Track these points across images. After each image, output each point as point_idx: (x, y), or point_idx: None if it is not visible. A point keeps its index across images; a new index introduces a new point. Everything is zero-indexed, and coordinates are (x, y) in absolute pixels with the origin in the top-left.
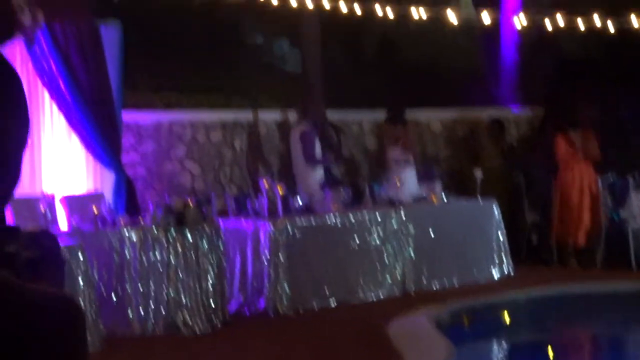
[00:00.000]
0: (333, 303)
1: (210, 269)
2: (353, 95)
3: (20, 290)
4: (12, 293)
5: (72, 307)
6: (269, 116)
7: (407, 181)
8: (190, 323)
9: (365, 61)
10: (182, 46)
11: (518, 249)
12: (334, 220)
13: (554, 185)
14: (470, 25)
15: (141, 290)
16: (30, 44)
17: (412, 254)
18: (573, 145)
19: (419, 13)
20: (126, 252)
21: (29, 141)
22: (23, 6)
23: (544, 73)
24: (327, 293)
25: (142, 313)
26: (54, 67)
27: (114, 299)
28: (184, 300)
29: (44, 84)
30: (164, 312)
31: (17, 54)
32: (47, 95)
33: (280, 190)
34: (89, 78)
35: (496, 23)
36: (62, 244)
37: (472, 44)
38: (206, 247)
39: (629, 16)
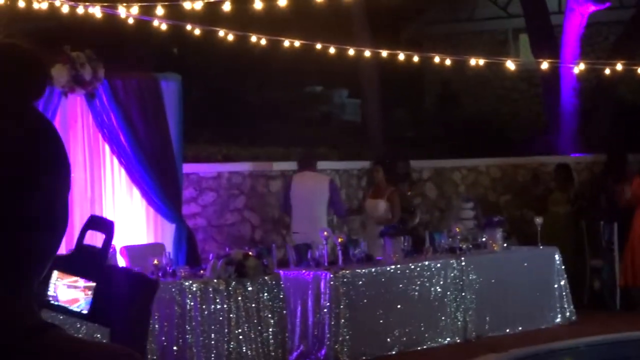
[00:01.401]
0: (394, 351)
1: (270, 319)
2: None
3: (76, 345)
4: (68, 349)
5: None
6: (330, 165)
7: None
8: None
9: (425, 111)
10: (240, 97)
11: (581, 296)
12: (394, 269)
13: (618, 231)
14: (528, 74)
15: (202, 341)
16: (91, 98)
17: (474, 302)
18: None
19: (477, 62)
20: (187, 303)
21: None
22: (84, 61)
23: (604, 119)
24: (389, 341)
25: None
26: (114, 121)
27: (175, 350)
28: (245, 351)
29: (105, 138)
30: None
31: (77, 108)
32: (107, 149)
33: (340, 239)
34: (149, 131)
35: (555, 71)
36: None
37: (532, 93)
38: (267, 297)
39: None
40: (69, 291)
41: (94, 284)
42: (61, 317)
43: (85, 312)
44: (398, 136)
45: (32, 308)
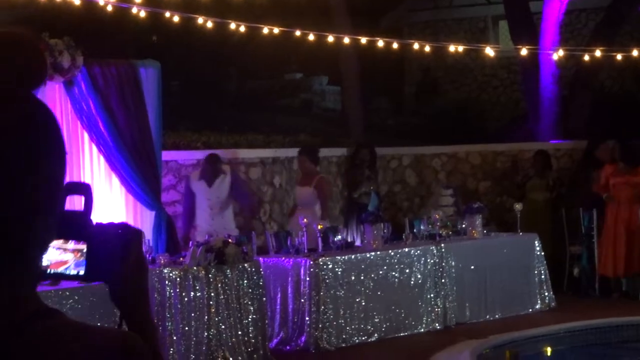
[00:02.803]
0: (374, 338)
1: (250, 306)
2: (393, 131)
3: (77, 330)
4: (69, 333)
5: (130, 348)
6: None
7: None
8: None
9: (405, 99)
10: (220, 85)
11: (560, 282)
12: (373, 256)
13: (598, 218)
14: (508, 61)
15: (182, 328)
16: (69, 86)
17: (453, 288)
18: (619, 177)
19: (456, 48)
20: (167, 290)
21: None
22: (62, 49)
23: (584, 106)
24: (368, 328)
25: (183, 351)
26: (93, 109)
27: None
28: (224, 338)
29: (83, 125)
30: (205, 351)
31: (56, 96)
32: (86, 136)
33: (320, 226)
34: (128, 119)
35: (535, 58)
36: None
37: (512, 80)
38: (246, 284)
39: None
40: (59, 256)
41: (83, 246)
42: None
43: (82, 273)
44: (378, 123)
45: (35, 293)
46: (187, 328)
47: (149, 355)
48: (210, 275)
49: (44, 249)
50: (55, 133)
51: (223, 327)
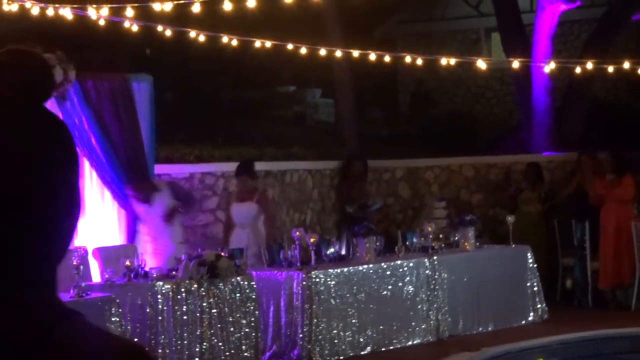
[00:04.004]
0: (367, 351)
1: (243, 319)
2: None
3: (95, 331)
4: (89, 333)
5: (140, 351)
6: (303, 165)
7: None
8: None
9: (399, 110)
10: (213, 97)
11: (553, 293)
12: (366, 268)
13: (589, 230)
14: (501, 72)
15: (175, 342)
16: (61, 100)
17: (446, 301)
18: (609, 189)
19: (448, 61)
20: (159, 304)
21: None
22: (54, 63)
23: (577, 117)
24: (361, 341)
25: None
26: (85, 123)
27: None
28: (217, 352)
29: (75, 139)
30: None
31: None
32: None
33: (312, 239)
34: (120, 133)
35: (527, 70)
36: (95, 295)
37: (505, 91)
38: (239, 298)
39: None
40: None
41: None
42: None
43: None
44: (372, 135)
45: (57, 294)
46: (179, 342)
47: None
48: (202, 289)
49: (66, 250)
50: (71, 140)
51: (216, 340)
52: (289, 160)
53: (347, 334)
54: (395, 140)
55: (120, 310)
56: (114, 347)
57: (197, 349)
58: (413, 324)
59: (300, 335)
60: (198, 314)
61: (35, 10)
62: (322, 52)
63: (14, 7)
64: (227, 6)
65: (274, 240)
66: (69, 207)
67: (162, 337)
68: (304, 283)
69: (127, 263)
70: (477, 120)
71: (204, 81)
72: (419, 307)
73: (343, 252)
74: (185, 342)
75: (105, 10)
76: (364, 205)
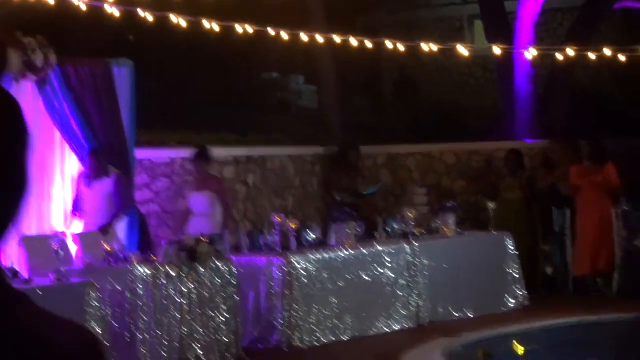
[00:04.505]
0: (347, 336)
1: (223, 304)
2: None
3: (41, 317)
4: (41, 320)
5: (90, 339)
6: (284, 151)
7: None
8: (203, 359)
9: (382, 98)
10: (196, 84)
11: (534, 280)
12: (346, 254)
13: (570, 217)
14: (483, 60)
15: (154, 326)
16: (42, 85)
17: (427, 287)
18: (587, 177)
19: (430, 48)
20: (139, 289)
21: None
22: (35, 47)
23: (560, 105)
24: (341, 326)
25: (156, 349)
26: (66, 108)
27: (127, 335)
28: (197, 336)
29: (56, 124)
30: (177, 349)
31: (29, 94)
32: (58, 135)
33: (292, 225)
34: (101, 117)
35: (509, 57)
36: (75, 280)
37: (488, 79)
38: (219, 283)
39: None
40: None
41: None
42: None
43: None
44: (355, 123)
45: (4, 277)
46: (159, 326)
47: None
48: (182, 274)
49: (8, 231)
50: (22, 117)
51: (195, 325)
52: (271, 146)
53: (327, 319)
54: (378, 127)
55: (99, 294)
56: (67, 332)
57: (177, 334)
58: (393, 310)
59: (280, 321)
60: (178, 299)
61: None
62: (304, 38)
63: None
64: None
65: (231, 228)
66: (19, 183)
67: (142, 321)
68: (284, 268)
69: (107, 248)
70: (460, 108)
71: (186, 67)
72: (399, 293)
73: (333, 242)
74: (165, 326)
75: None
76: (355, 192)
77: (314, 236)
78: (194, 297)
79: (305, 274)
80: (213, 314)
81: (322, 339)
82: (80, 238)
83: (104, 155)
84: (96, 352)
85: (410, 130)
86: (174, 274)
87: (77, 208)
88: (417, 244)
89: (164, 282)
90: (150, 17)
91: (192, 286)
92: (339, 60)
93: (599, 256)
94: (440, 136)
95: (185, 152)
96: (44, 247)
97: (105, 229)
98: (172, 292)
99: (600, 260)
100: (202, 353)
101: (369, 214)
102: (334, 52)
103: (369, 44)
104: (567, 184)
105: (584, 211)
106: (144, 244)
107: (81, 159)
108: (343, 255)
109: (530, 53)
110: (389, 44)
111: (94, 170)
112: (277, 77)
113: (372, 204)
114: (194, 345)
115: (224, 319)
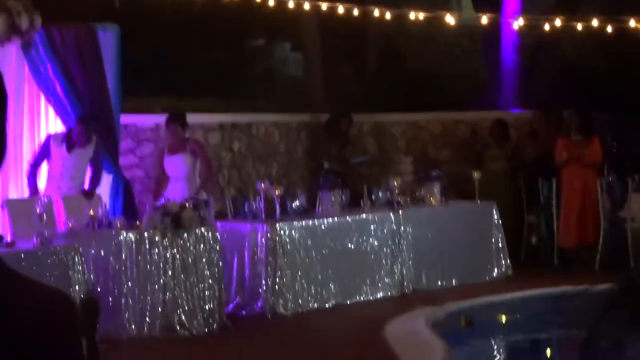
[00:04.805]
0: (330, 304)
1: (207, 270)
2: (355, 99)
3: (13, 280)
4: (14, 281)
5: (65, 301)
6: (270, 118)
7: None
8: (186, 324)
9: (367, 66)
10: (182, 50)
11: (518, 251)
12: (331, 222)
13: (555, 188)
14: (470, 29)
15: (138, 292)
16: (27, 48)
17: (411, 256)
18: (573, 149)
19: (416, 15)
20: (123, 254)
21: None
22: (20, 10)
23: (546, 76)
24: (325, 294)
25: (139, 314)
26: (50, 71)
27: (110, 300)
28: (180, 302)
29: (40, 88)
30: (160, 314)
31: (13, 57)
32: (43, 99)
33: (277, 192)
34: (86, 82)
35: (496, 26)
36: (58, 244)
37: (474, 48)
38: (203, 249)
39: (628, 19)
40: None
41: None
42: None
43: None
44: (341, 91)
45: None
46: (143, 292)
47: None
48: (166, 240)
49: None
50: None
51: (179, 291)
52: (256, 113)
53: (310, 286)
54: (363, 95)
55: (83, 259)
56: (39, 295)
57: (160, 300)
58: (377, 278)
59: (264, 288)
60: (161, 265)
61: None
62: (290, 4)
63: None
64: None
65: (212, 190)
66: None
67: (125, 286)
68: (269, 235)
69: (91, 213)
70: (445, 77)
71: (172, 33)
72: (383, 261)
73: (319, 210)
74: (149, 292)
75: None
76: (343, 161)
77: (298, 203)
78: (178, 262)
79: (289, 241)
80: (196, 280)
81: (306, 306)
82: (64, 202)
83: (92, 122)
84: (68, 318)
85: (396, 99)
86: (157, 240)
87: (35, 171)
88: (401, 213)
89: (148, 247)
90: None
91: (176, 252)
92: (325, 28)
93: (585, 228)
94: (426, 105)
95: None
96: (27, 210)
97: (89, 194)
98: (156, 258)
99: (585, 232)
100: (185, 319)
101: (354, 183)
102: (320, 19)
103: (355, 12)
104: (556, 155)
105: (570, 183)
106: (128, 209)
107: (65, 122)
108: (327, 223)
109: (518, 23)
110: (375, 12)
111: (83, 137)
112: (263, 44)
113: (357, 172)
114: (177, 310)
115: (207, 285)
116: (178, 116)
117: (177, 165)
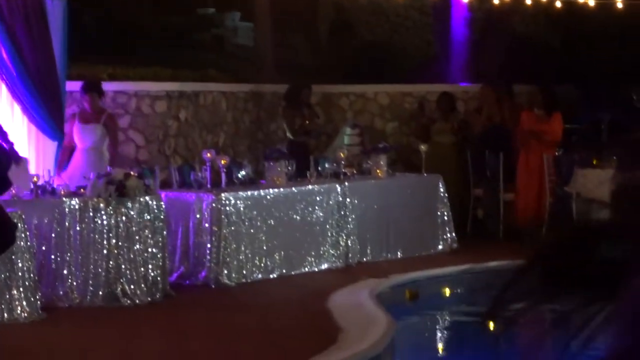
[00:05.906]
0: (275, 274)
1: (151, 239)
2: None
3: None
4: None
5: None
6: (217, 87)
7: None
8: (129, 293)
9: (318, 37)
10: (131, 18)
11: (464, 224)
12: (277, 193)
13: (502, 162)
14: (421, 2)
15: (81, 260)
16: None
17: (356, 227)
18: (536, 124)
19: None
20: (66, 221)
21: None
22: None
23: (495, 50)
24: (269, 265)
25: (82, 283)
26: None
27: (54, 268)
28: (124, 271)
29: None
30: (103, 283)
31: None
32: None
33: (223, 161)
34: (32, 49)
35: (446, 0)
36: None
37: (424, 22)
38: (147, 218)
39: None
40: None
41: None
42: None
43: None
44: (291, 62)
45: None
46: (86, 260)
47: None
48: (110, 208)
49: None
50: None
51: (122, 259)
52: (204, 82)
53: (255, 257)
54: (313, 67)
55: (26, 226)
56: None
57: (104, 267)
58: (322, 249)
59: (208, 257)
60: (105, 233)
61: None
62: None
63: None
64: None
65: (117, 164)
66: None
67: (68, 254)
68: (214, 205)
69: (34, 179)
70: (395, 50)
71: (123, 3)
72: (329, 232)
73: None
74: (92, 260)
75: None
76: (307, 132)
77: (244, 173)
78: (122, 231)
79: (234, 211)
80: (141, 249)
81: (250, 276)
82: None
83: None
84: None
85: (345, 70)
86: (101, 207)
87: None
88: (347, 184)
89: (91, 215)
90: None
91: (120, 220)
92: None
93: (540, 204)
94: (375, 77)
95: (118, 86)
96: None
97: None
98: (99, 226)
99: (541, 210)
100: (128, 287)
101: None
102: None
103: None
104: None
105: (527, 160)
106: (72, 176)
107: (11, 89)
108: (273, 193)
109: None
110: None
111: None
112: (212, 13)
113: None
114: (120, 279)
115: (151, 254)
116: (94, 85)
117: (89, 136)
